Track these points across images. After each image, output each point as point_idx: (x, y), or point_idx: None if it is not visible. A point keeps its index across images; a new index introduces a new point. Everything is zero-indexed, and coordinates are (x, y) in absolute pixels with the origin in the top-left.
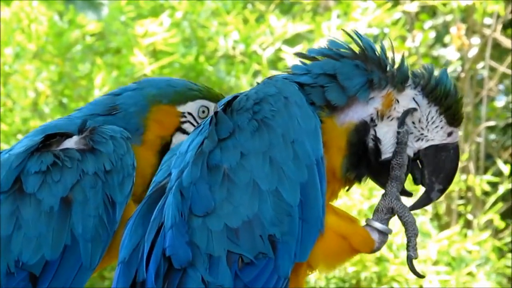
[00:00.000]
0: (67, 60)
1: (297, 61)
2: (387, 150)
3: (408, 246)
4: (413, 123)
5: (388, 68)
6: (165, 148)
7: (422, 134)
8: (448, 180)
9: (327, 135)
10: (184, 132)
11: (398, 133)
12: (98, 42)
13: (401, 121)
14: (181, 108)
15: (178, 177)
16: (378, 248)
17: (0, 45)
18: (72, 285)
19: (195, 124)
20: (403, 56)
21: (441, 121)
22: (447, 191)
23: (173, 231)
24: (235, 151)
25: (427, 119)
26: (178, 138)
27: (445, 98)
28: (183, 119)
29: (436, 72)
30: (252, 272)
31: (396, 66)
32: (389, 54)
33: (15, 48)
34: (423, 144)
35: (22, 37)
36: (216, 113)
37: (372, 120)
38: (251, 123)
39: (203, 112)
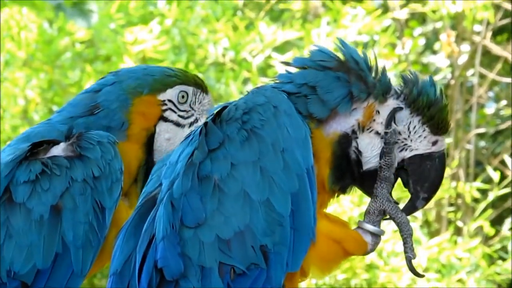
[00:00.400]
0: (57, 68)
1: (283, 69)
2: (369, 161)
3: (405, 247)
4: (399, 133)
5: (369, 80)
6: (150, 139)
7: (405, 144)
8: (433, 189)
9: (315, 146)
10: (166, 120)
11: (386, 133)
12: (88, 49)
13: (388, 121)
14: (161, 96)
15: (169, 188)
16: (372, 250)
17: None
18: None
19: (176, 110)
20: (384, 68)
21: (424, 130)
22: (435, 198)
23: (165, 242)
24: (225, 161)
25: (409, 129)
26: (161, 127)
27: (427, 108)
28: (164, 107)
29: (421, 81)
30: (244, 283)
31: (378, 77)
32: (374, 64)
33: (5, 56)
34: (407, 154)
35: (12, 44)
36: (206, 123)
37: (353, 132)
38: (241, 133)
39: (183, 97)
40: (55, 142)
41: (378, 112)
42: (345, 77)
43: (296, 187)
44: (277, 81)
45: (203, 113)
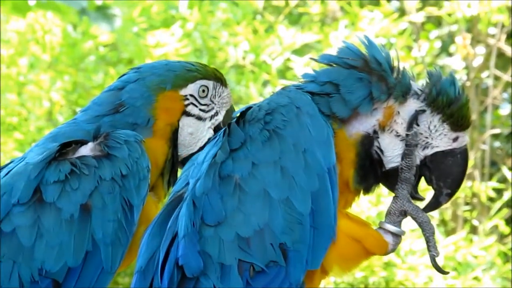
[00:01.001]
0: (81, 70)
1: (307, 69)
2: (391, 160)
3: (428, 246)
4: (421, 133)
5: (390, 81)
6: (174, 134)
7: (427, 142)
8: (456, 184)
9: (339, 146)
10: (189, 114)
11: (407, 135)
12: (111, 52)
13: (409, 124)
14: (183, 92)
15: (194, 187)
16: (393, 250)
17: (3, 55)
18: None
19: (197, 104)
20: (404, 69)
21: (444, 128)
22: (454, 197)
23: (186, 240)
24: (246, 161)
25: (429, 128)
26: (184, 121)
27: (447, 107)
28: (187, 102)
29: (441, 80)
30: (263, 280)
31: (398, 78)
32: (396, 64)
33: (30, 59)
34: (429, 151)
35: (37, 47)
36: (229, 124)
37: (375, 132)
38: (263, 133)
39: (203, 91)
40: (83, 142)
41: (398, 113)
42: (367, 78)
43: (316, 186)
44: (302, 80)
45: (222, 106)
